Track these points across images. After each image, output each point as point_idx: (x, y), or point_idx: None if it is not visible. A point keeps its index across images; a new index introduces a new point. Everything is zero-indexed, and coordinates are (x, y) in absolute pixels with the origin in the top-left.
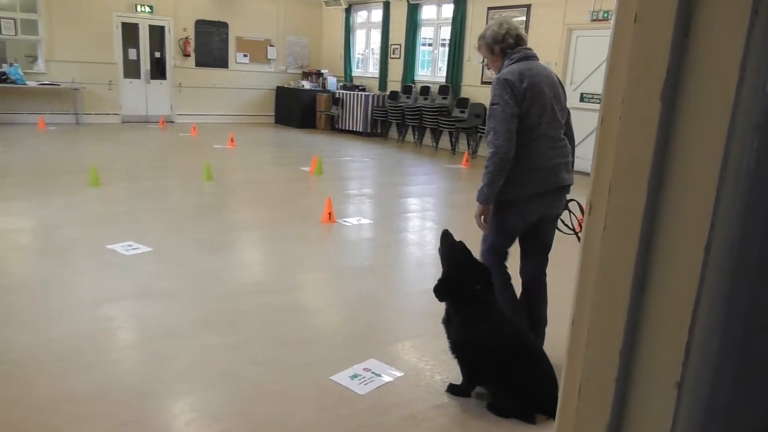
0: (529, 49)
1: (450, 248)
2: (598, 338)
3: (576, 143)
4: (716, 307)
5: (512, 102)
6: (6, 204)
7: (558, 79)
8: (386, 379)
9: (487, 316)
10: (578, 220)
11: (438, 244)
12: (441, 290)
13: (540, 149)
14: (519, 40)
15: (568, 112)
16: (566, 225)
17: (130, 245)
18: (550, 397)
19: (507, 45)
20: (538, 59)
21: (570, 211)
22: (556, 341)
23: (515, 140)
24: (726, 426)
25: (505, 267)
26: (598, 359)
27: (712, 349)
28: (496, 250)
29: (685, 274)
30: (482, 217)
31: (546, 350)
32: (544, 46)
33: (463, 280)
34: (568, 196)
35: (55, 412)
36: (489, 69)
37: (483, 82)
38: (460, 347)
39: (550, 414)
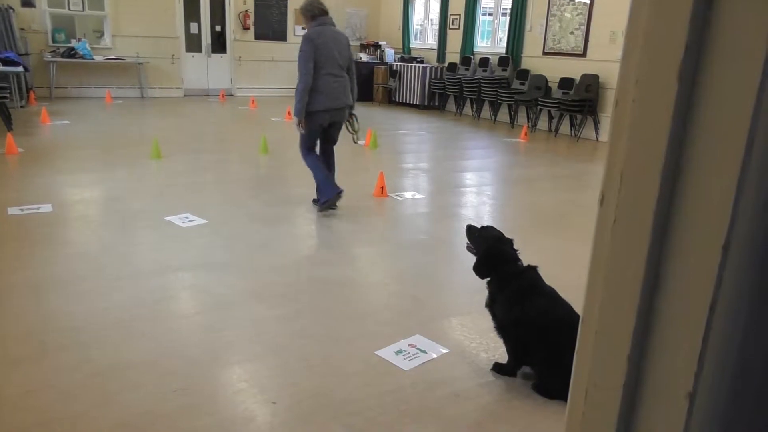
0: (329, 18)
1: (481, 230)
2: (606, 341)
3: None
4: (735, 313)
5: (310, 51)
6: (73, 176)
7: (347, 41)
8: (431, 355)
9: (534, 294)
10: (357, 126)
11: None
12: (483, 264)
13: (325, 82)
14: (322, 12)
15: (351, 61)
16: (349, 130)
17: (187, 217)
18: None
19: (313, 13)
20: (333, 25)
21: (352, 121)
22: None
23: (312, 74)
24: None
25: (315, 153)
26: (605, 363)
27: (730, 359)
28: (308, 145)
29: (700, 274)
30: (300, 125)
31: None
32: (612, 14)
33: (504, 251)
34: (354, 112)
35: (110, 378)
36: (303, 28)
37: (545, 53)
38: (507, 326)
39: None
